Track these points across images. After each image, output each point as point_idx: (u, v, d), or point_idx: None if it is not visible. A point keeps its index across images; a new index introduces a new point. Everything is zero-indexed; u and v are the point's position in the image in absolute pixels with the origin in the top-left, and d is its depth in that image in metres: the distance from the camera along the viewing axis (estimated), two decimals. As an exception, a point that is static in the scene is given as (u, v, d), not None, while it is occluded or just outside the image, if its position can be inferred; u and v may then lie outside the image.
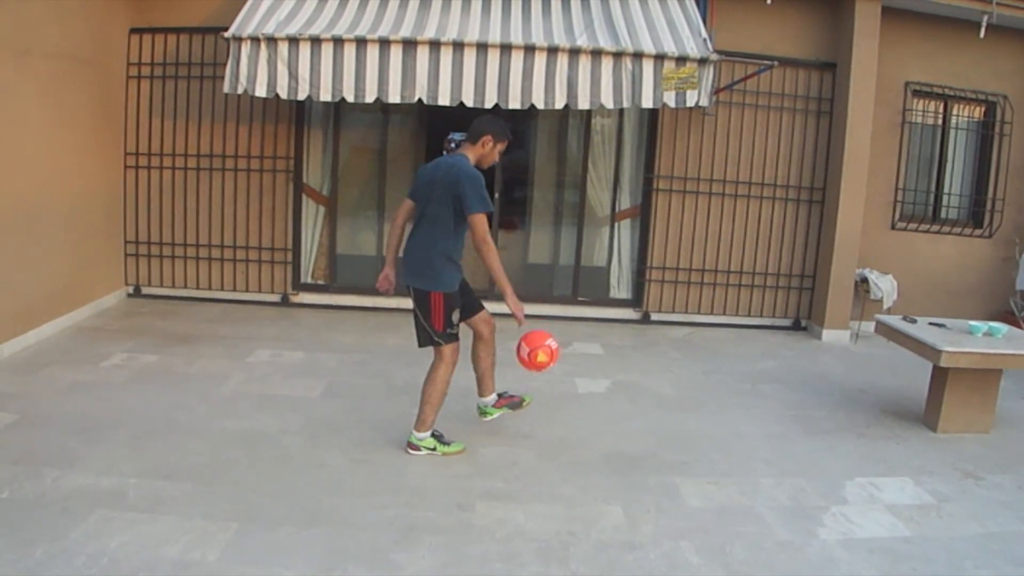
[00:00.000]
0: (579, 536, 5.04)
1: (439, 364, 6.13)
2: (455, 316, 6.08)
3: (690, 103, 8.82)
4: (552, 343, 6.23)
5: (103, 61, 9.71)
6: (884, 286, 10.69)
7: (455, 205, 5.88)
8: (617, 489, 5.77)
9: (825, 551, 5.04)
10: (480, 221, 5.83)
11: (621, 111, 10.87)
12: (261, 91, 8.74)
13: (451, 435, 6.40)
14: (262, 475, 5.66)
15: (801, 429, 7.26)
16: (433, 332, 6.06)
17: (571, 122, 11.00)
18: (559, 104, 8.71)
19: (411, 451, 6.19)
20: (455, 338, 6.11)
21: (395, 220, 6.46)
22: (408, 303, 10.09)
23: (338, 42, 8.57)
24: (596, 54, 8.62)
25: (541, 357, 6.17)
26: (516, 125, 11.35)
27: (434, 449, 6.18)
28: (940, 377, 7.35)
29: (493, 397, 6.61)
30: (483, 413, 6.65)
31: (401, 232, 6.42)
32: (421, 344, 6.25)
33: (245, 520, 4.96)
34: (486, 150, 6.13)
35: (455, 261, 6.11)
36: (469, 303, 6.31)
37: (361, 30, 8.74)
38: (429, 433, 6.20)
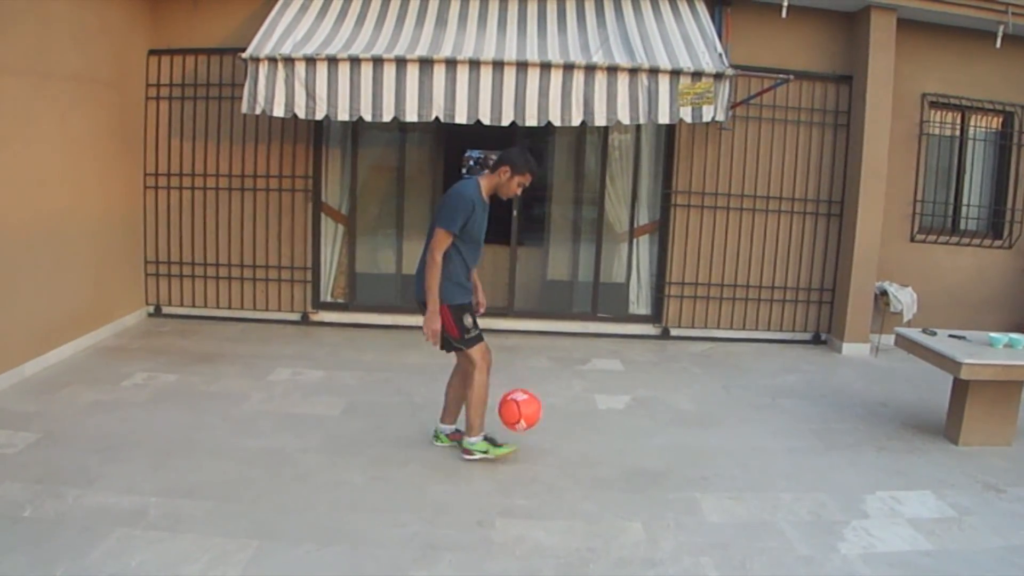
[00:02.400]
0: (599, 552, 5.03)
1: (471, 369, 6.25)
2: (468, 320, 6.20)
3: (706, 118, 8.82)
4: (519, 395, 6.36)
5: (122, 83, 9.77)
6: (904, 299, 10.65)
7: None
8: (637, 505, 5.76)
9: (846, 566, 5.02)
10: (437, 234, 6.00)
11: (638, 127, 10.88)
12: (279, 111, 8.77)
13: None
14: (282, 493, 5.67)
15: (821, 443, 7.24)
16: (452, 340, 6.20)
17: (588, 139, 11.01)
18: (575, 121, 8.72)
19: (466, 456, 6.34)
20: (477, 340, 6.23)
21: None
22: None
23: (355, 62, 8.60)
24: (612, 70, 8.63)
25: (522, 423, 6.29)
26: (534, 142, 11.38)
27: (487, 452, 6.30)
28: (961, 390, 7.31)
29: (451, 428, 6.75)
30: (436, 437, 6.75)
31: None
32: (445, 349, 6.43)
33: (265, 538, 4.97)
34: (502, 180, 6.16)
35: (458, 278, 6.20)
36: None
37: (378, 49, 8.77)
38: (481, 437, 6.33)
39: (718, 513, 5.70)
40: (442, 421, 6.74)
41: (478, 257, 6.38)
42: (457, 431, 6.69)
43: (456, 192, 6.05)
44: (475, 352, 6.20)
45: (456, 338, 6.17)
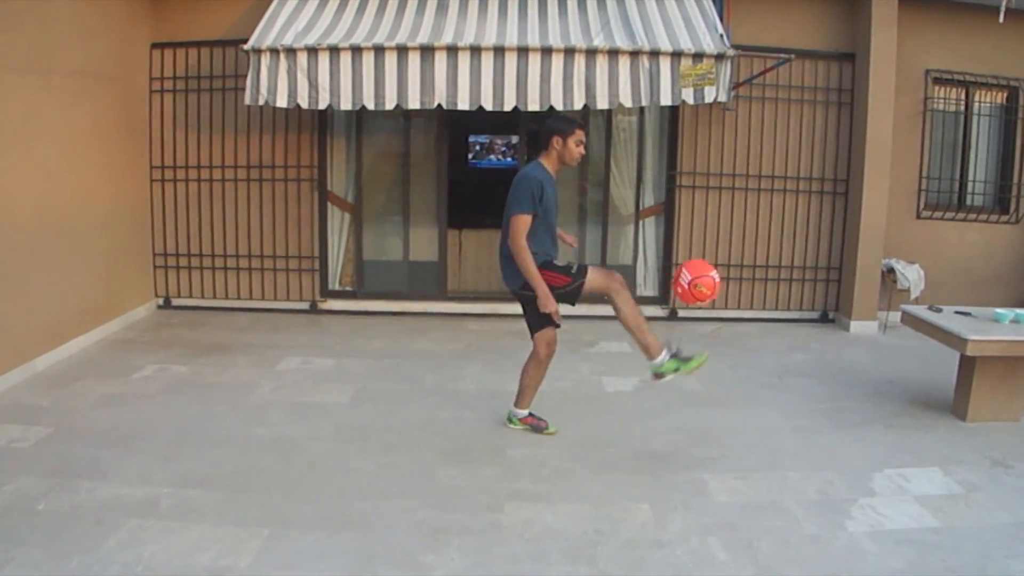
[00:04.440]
0: (607, 534, 5.05)
1: (532, 357, 6.46)
2: (572, 268, 6.15)
3: (709, 99, 8.83)
4: (715, 275, 6.20)
5: (125, 77, 9.81)
6: (911, 276, 10.64)
7: None
8: (645, 487, 5.78)
9: (853, 544, 5.03)
10: (514, 220, 5.91)
11: (642, 109, 10.89)
12: (282, 102, 8.80)
13: (504, 440, 6.50)
14: (293, 481, 5.71)
15: (829, 422, 7.25)
16: (567, 287, 6.10)
17: (593, 122, 10.99)
18: (578, 105, 8.74)
19: (655, 381, 6.38)
20: (584, 274, 6.11)
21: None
22: (433, 308, 10.17)
23: (356, 51, 8.62)
24: (613, 53, 8.64)
25: (702, 289, 6.15)
26: (538, 126, 11.39)
27: (677, 369, 6.16)
28: (968, 366, 7.31)
29: (524, 413, 6.69)
30: (510, 420, 6.74)
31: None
32: (533, 331, 6.39)
33: (276, 526, 5.01)
34: (560, 148, 6.13)
35: (546, 255, 6.17)
36: (540, 318, 6.25)
37: (379, 38, 8.79)
38: (664, 356, 6.19)
39: (725, 493, 5.72)
40: (516, 405, 6.72)
41: (556, 238, 6.35)
42: (531, 415, 6.71)
43: (521, 176, 6.06)
44: (540, 339, 6.31)
45: (568, 283, 6.08)
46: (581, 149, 6.20)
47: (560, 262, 6.17)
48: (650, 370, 6.23)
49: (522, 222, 5.93)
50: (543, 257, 6.08)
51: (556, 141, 6.09)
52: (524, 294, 6.13)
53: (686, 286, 6.16)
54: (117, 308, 9.78)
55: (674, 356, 6.17)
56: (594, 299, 10.73)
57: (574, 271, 6.09)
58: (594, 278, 6.10)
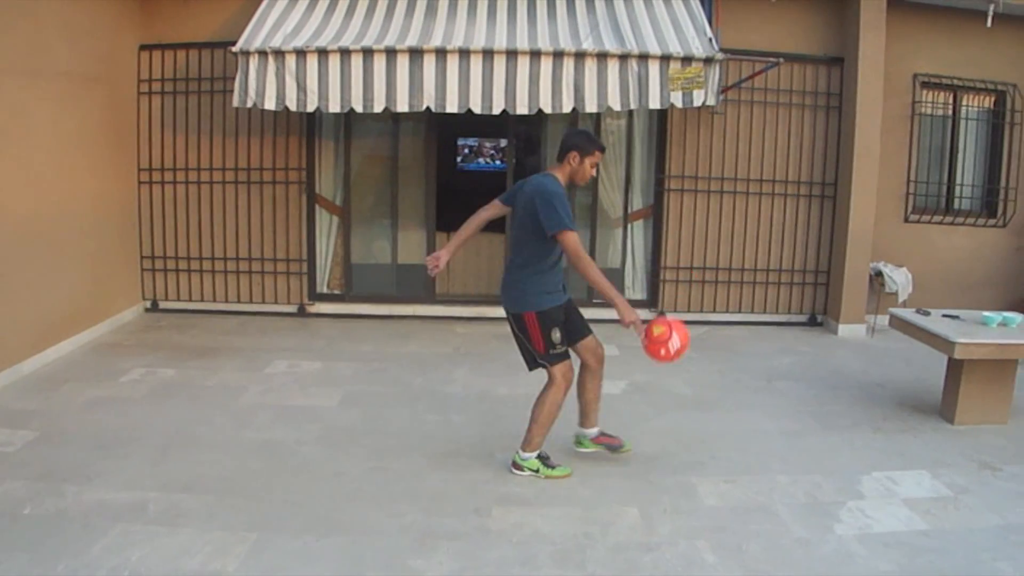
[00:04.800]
0: (595, 538, 5.07)
1: (550, 386, 5.90)
2: (555, 335, 5.80)
3: (697, 103, 8.84)
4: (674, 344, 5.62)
5: (113, 79, 9.78)
6: (899, 279, 10.67)
7: (534, 225, 5.66)
8: (634, 490, 5.79)
9: (842, 547, 5.05)
10: (567, 239, 5.55)
11: (630, 113, 10.89)
12: (270, 104, 8.79)
13: (493, 444, 6.50)
14: (281, 485, 5.71)
15: (817, 425, 7.28)
16: (536, 354, 5.87)
17: (581, 124, 10.97)
18: (567, 108, 8.75)
19: (515, 471, 6.02)
20: (562, 358, 5.87)
21: (477, 214, 6.22)
22: (421, 311, 10.17)
23: (345, 53, 8.61)
24: (602, 57, 8.65)
25: (657, 330, 5.60)
26: (527, 130, 11.38)
27: (537, 471, 5.98)
28: (955, 369, 7.33)
29: (595, 431, 6.39)
30: (580, 443, 6.43)
31: (476, 226, 6.22)
32: (530, 367, 6.09)
33: (264, 530, 5.01)
34: (575, 165, 5.82)
35: (547, 282, 5.85)
36: (575, 327, 6.09)
37: (367, 41, 8.78)
38: (535, 454, 6.02)
39: (714, 497, 5.73)
40: (582, 426, 6.39)
41: (563, 257, 5.92)
42: (603, 434, 6.38)
43: (546, 190, 5.65)
44: (557, 370, 5.87)
45: (541, 353, 5.84)
46: (594, 172, 5.97)
47: (554, 328, 5.84)
48: (513, 458, 6.08)
49: (574, 238, 5.59)
50: (541, 299, 5.82)
51: (573, 157, 5.81)
52: (513, 314, 5.91)
53: (672, 354, 5.65)
54: (104, 311, 9.75)
55: (541, 458, 6.04)
56: (583, 303, 10.75)
57: (554, 352, 5.84)
58: (559, 368, 5.86)
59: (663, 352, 5.56)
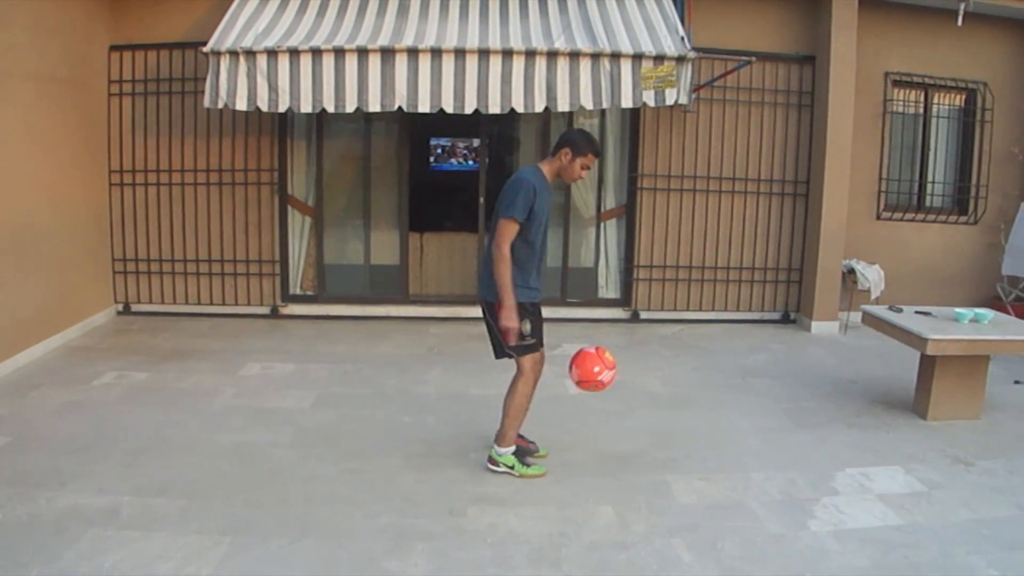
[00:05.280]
0: (571, 537, 5.06)
1: (518, 377, 5.88)
2: (526, 327, 5.73)
3: (669, 101, 8.86)
4: (604, 375, 5.76)
5: (84, 80, 9.72)
6: (871, 276, 10.72)
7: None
8: (608, 489, 5.79)
9: (817, 543, 5.06)
10: (502, 225, 5.57)
11: (603, 111, 10.90)
12: (242, 105, 8.75)
13: (467, 444, 6.49)
14: (254, 488, 5.67)
15: (792, 422, 7.30)
16: (505, 344, 5.81)
17: (554, 124, 10.98)
18: (539, 107, 8.74)
19: (491, 466, 6.01)
20: (532, 349, 5.83)
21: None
22: (395, 312, 10.15)
23: (316, 53, 8.58)
24: (574, 56, 8.65)
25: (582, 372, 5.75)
26: (500, 129, 11.36)
27: (513, 468, 5.96)
28: (928, 365, 7.37)
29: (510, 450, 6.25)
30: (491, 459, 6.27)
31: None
32: (496, 355, 6.08)
33: (238, 533, 4.97)
34: (564, 163, 5.79)
35: (524, 274, 5.79)
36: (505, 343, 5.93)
37: (339, 40, 8.75)
38: (511, 450, 6.00)
39: (689, 494, 5.73)
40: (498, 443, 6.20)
41: (545, 250, 6.02)
42: (520, 436, 6.23)
43: (517, 178, 5.69)
44: (526, 361, 5.84)
45: (510, 344, 5.77)
46: (584, 173, 5.94)
47: (524, 319, 5.74)
48: (489, 452, 6.07)
49: (510, 228, 5.59)
50: (522, 296, 5.75)
51: (565, 154, 5.79)
52: (487, 302, 5.84)
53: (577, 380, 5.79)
54: (76, 314, 9.68)
55: (517, 455, 6.03)
56: (557, 302, 10.74)
57: (524, 343, 5.79)
58: (528, 359, 5.84)
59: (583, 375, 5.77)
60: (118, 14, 10.29)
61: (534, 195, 5.62)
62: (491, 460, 6.03)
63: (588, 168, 5.93)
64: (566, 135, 5.90)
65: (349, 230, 11.31)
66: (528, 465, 6.02)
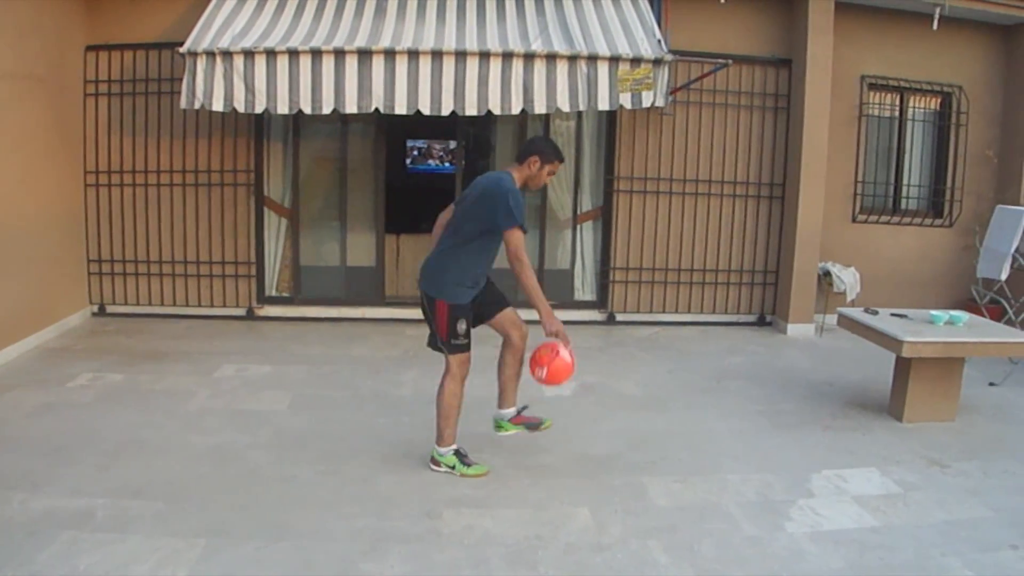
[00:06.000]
0: (547, 539, 5.06)
1: (446, 376, 5.94)
2: (461, 326, 5.80)
3: (646, 104, 8.87)
4: (564, 352, 5.76)
5: (59, 80, 9.67)
6: (847, 279, 10.76)
7: (482, 219, 5.72)
8: (584, 491, 5.79)
9: (793, 544, 5.08)
10: (513, 236, 5.61)
11: (580, 114, 10.91)
12: (218, 106, 8.72)
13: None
14: (230, 490, 5.65)
15: (767, 424, 7.32)
16: (439, 339, 5.90)
17: (530, 126, 10.99)
18: (515, 109, 8.74)
19: (433, 467, 6.04)
20: (462, 350, 5.87)
21: (437, 221, 6.17)
22: (371, 313, 10.11)
23: (293, 54, 8.56)
24: (551, 58, 8.65)
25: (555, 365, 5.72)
26: (477, 131, 11.36)
27: (453, 468, 5.98)
28: (903, 367, 7.41)
29: (512, 411, 6.37)
30: (499, 427, 6.40)
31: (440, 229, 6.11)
32: (430, 344, 6.14)
33: (214, 536, 4.95)
34: (533, 171, 5.89)
35: (467, 275, 5.87)
36: (492, 299, 6.11)
37: (316, 42, 8.73)
38: (451, 450, 6.01)
39: (665, 497, 5.74)
40: (500, 407, 6.36)
41: (495, 256, 6.04)
42: (519, 412, 6.36)
43: (501, 187, 5.72)
44: (454, 360, 5.89)
45: (443, 340, 5.85)
46: (549, 180, 6.09)
47: (460, 320, 5.82)
48: (431, 453, 6.10)
49: (521, 237, 5.65)
50: (456, 292, 5.83)
51: (533, 162, 5.87)
52: (426, 295, 5.92)
53: (543, 377, 5.76)
54: (51, 315, 9.63)
55: (458, 454, 6.05)
56: (529, 303, 10.74)
57: (455, 342, 5.84)
58: (456, 359, 5.88)
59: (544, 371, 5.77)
60: (94, 14, 10.24)
61: (519, 205, 5.71)
62: (433, 460, 6.07)
63: (553, 174, 6.04)
64: (533, 143, 6.04)
65: (325, 231, 11.28)
66: (469, 465, 6.02)
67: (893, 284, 11.27)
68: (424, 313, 6.04)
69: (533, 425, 6.39)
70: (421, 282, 5.98)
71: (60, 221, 9.85)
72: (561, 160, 6.01)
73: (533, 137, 6.03)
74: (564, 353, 5.74)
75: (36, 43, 9.09)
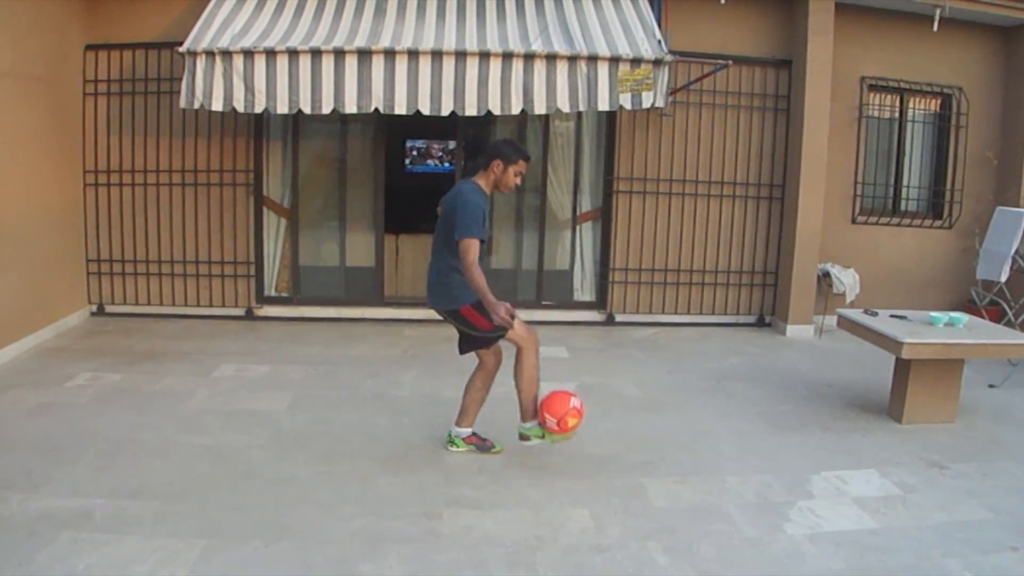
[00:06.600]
0: (546, 540, 5.05)
1: (519, 353, 6.05)
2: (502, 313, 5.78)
3: (646, 104, 8.85)
4: (575, 402, 6.00)
5: (59, 79, 9.66)
6: (846, 280, 10.75)
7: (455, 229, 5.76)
8: (584, 492, 5.78)
9: (792, 546, 5.07)
10: (466, 246, 5.66)
11: (580, 114, 10.91)
12: (218, 105, 8.70)
13: (442, 446, 6.48)
14: (229, 491, 5.64)
15: (767, 425, 7.31)
16: (486, 332, 5.99)
17: (530, 126, 11.00)
18: (515, 110, 8.73)
19: (523, 442, 6.20)
20: (512, 325, 5.84)
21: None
22: (370, 314, 10.07)
23: (293, 54, 8.54)
24: (551, 59, 8.64)
25: (571, 422, 5.95)
26: (476, 132, 11.35)
27: (543, 437, 6.09)
28: (903, 369, 7.40)
29: (468, 431, 6.44)
30: (452, 442, 6.45)
31: None
32: (461, 351, 6.30)
33: (212, 536, 4.94)
34: (498, 174, 5.98)
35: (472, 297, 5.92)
36: (475, 338, 6.19)
37: (316, 41, 8.72)
38: (535, 422, 6.09)
39: (665, 498, 5.73)
40: (457, 424, 6.44)
41: (486, 254, 6.06)
42: (474, 434, 6.44)
43: (469, 200, 5.80)
44: (517, 333, 5.95)
45: (490, 329, 5.91)
46: (519, 180, 6.11)
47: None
48: (518, 431, 6.21)
49: (475, 246, 5.70)
50: (468, 292, 5.89)
51: (497, 165, 5.97)
52: (448, 312, 6.09)
53: (555, 427, 5.95)
54: (49, 315, 9.62)
55: (543, 425, 6.07)
56: (532, 305, 10.73)
57: (507, 315, 5.81)
58: (517, 332, 5.93)
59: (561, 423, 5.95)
60: (94, 13, 10.22)
61: (484, 216, 5.85)
62: (523, 436, 6.20)
63: (521, 174, 6.11)
64: (493, 148, 6.12)
65: (325, 231, 11.28)
66: (550, 432, 6.05)
67: (893, 285, 11.27)
68: (458, 329, 6.20)
69: (484, 448, 6.43)
70: (433, 303, 6.14)
71: (59, 220, 9.83)
72: (527, 159, 6.09)
73: (495, 141, 6.06)
74: (575, 402, 5.97)
75: (35, 42, 9.08)
